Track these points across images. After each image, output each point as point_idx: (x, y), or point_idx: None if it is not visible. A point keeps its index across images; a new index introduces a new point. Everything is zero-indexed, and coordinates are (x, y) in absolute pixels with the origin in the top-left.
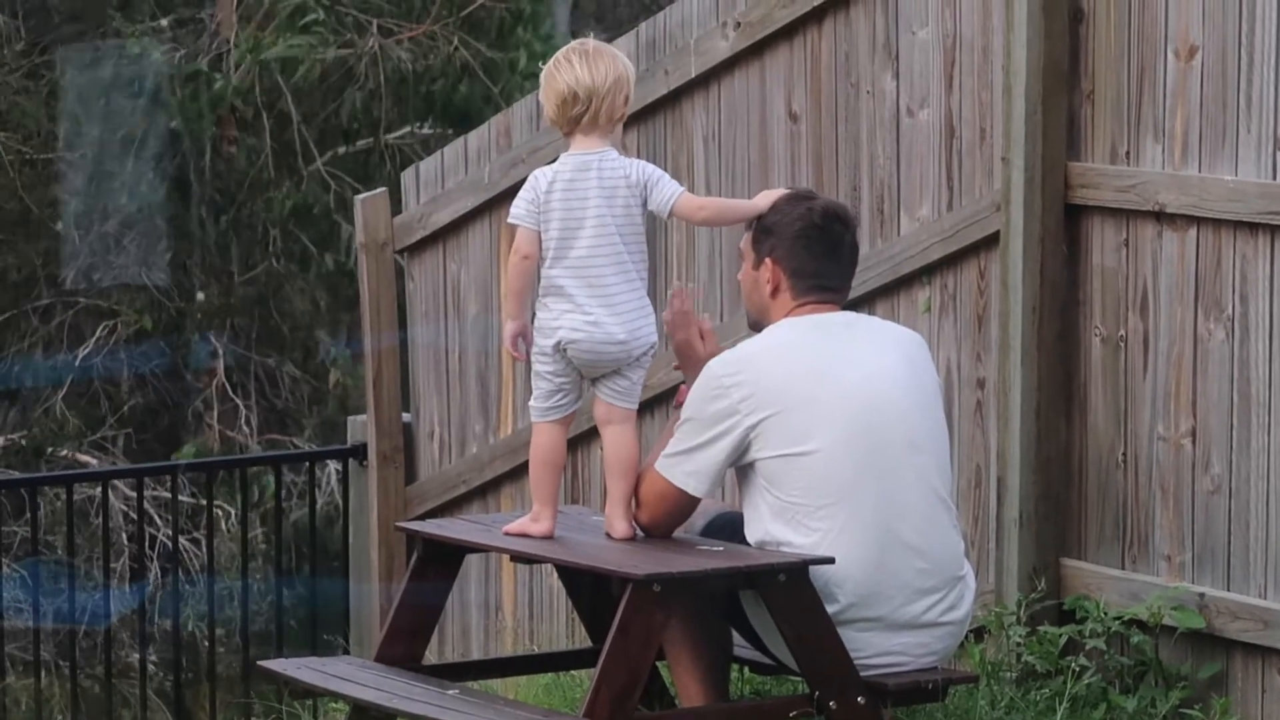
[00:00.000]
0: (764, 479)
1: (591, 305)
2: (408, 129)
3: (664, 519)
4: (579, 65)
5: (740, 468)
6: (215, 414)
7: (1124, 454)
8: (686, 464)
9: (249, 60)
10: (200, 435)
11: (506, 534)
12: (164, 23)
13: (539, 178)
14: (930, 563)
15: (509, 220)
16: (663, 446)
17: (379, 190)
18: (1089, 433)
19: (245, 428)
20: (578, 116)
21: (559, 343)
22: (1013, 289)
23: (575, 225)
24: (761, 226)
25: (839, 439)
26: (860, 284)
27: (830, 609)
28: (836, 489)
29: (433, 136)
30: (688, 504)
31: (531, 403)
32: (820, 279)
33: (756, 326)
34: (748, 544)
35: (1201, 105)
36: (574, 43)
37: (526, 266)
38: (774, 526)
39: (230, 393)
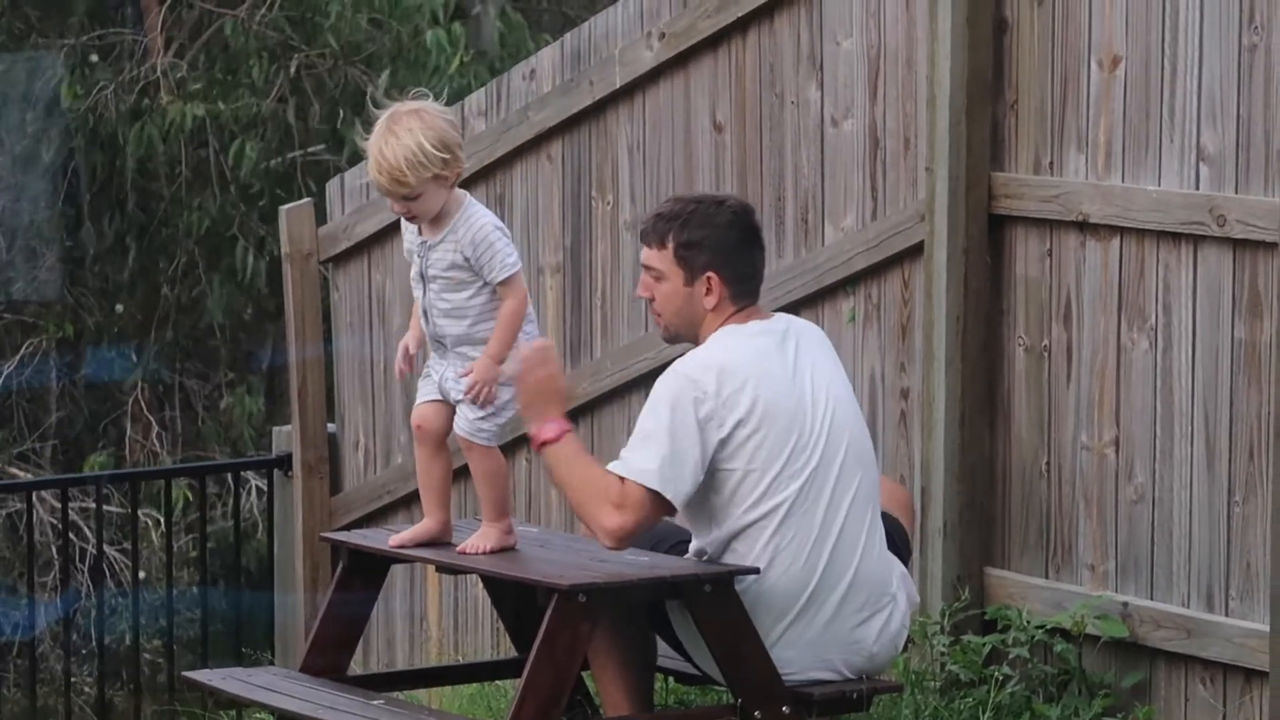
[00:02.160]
0: (720, 488)
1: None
2: (322, 145)
3: (645, 526)
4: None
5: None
6: (140, 426)
7: (1048, 463)
8: (668, 470)
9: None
10: (121, 447)
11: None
12: (92, 41)
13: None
14: (862, 579)
15: (517, 270)
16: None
17: (304, 201)
18: (1013, 442)
19: (163, 440)
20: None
21: None
22: (937, 299)
23: None
24: (685, 242)
25: (794, 454)
26: (785, 294)
27: (761, 622)
28: (786, 504)
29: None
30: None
31: (491, 426)
32: (755, 279)
33: (678, 340)
34: (673, 554)
35: (1125, 115)
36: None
37: None
38: (719, 536)
39: (147, 407)
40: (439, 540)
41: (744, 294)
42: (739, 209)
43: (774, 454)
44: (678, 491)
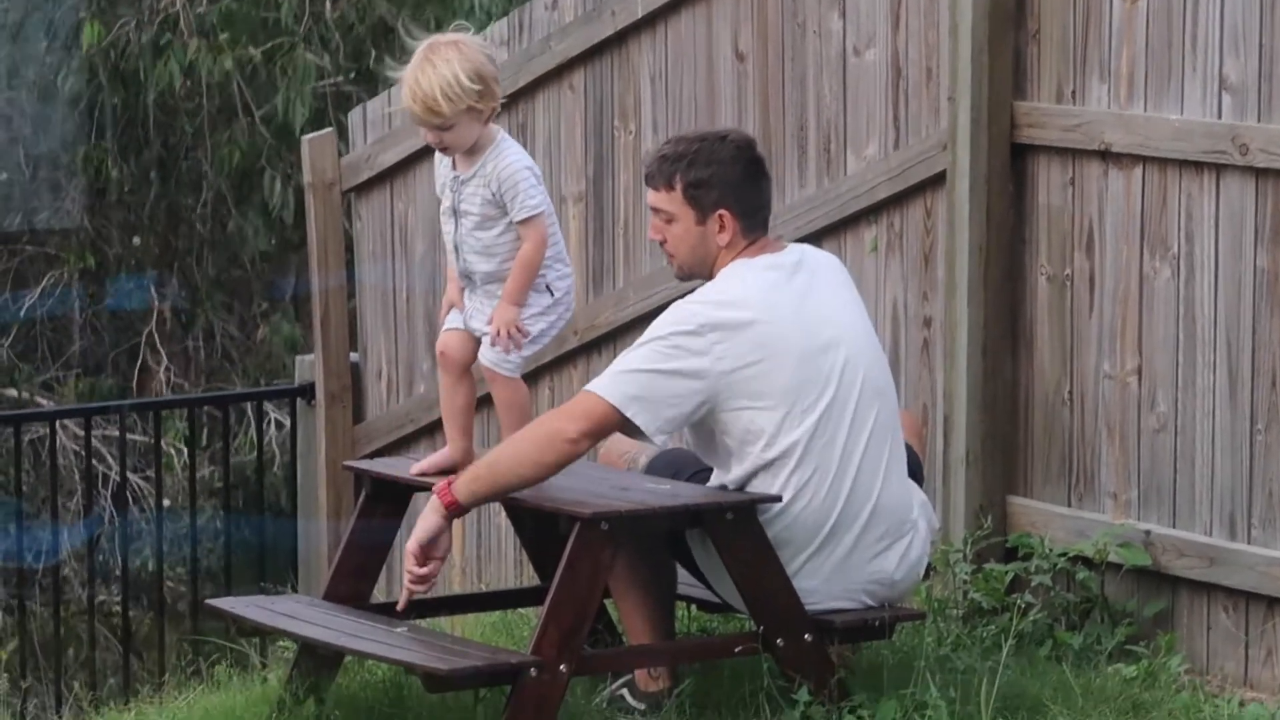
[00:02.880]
0: (729, 428)
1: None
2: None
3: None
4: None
5: (707, 415)
6: (161, 356)
7: (1070, 392)
8: (641, 398)
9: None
10: (142, 376)
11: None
12: None
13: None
14: (883, 509)
15: (538, 212)
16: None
17: (326, 130)
18: (1035, 371)
19: (185, 368)
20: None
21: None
22: (959, 228)
23: None
24: (693, 181)
25: (804, 390)
26: (807, 223)
27: (783, 555)
28: (803, 440)
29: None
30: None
31: (515, 358)
32: (764, 210)
33: (693, 278)
34: (690, 481)
35: (1147, 45)
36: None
37: None
38: (738, 474)
39: (169, 338)
40: (461, 467)
41: (754, 226)
42: (742, 143)
43: (783, 390)
44: (647, 421)
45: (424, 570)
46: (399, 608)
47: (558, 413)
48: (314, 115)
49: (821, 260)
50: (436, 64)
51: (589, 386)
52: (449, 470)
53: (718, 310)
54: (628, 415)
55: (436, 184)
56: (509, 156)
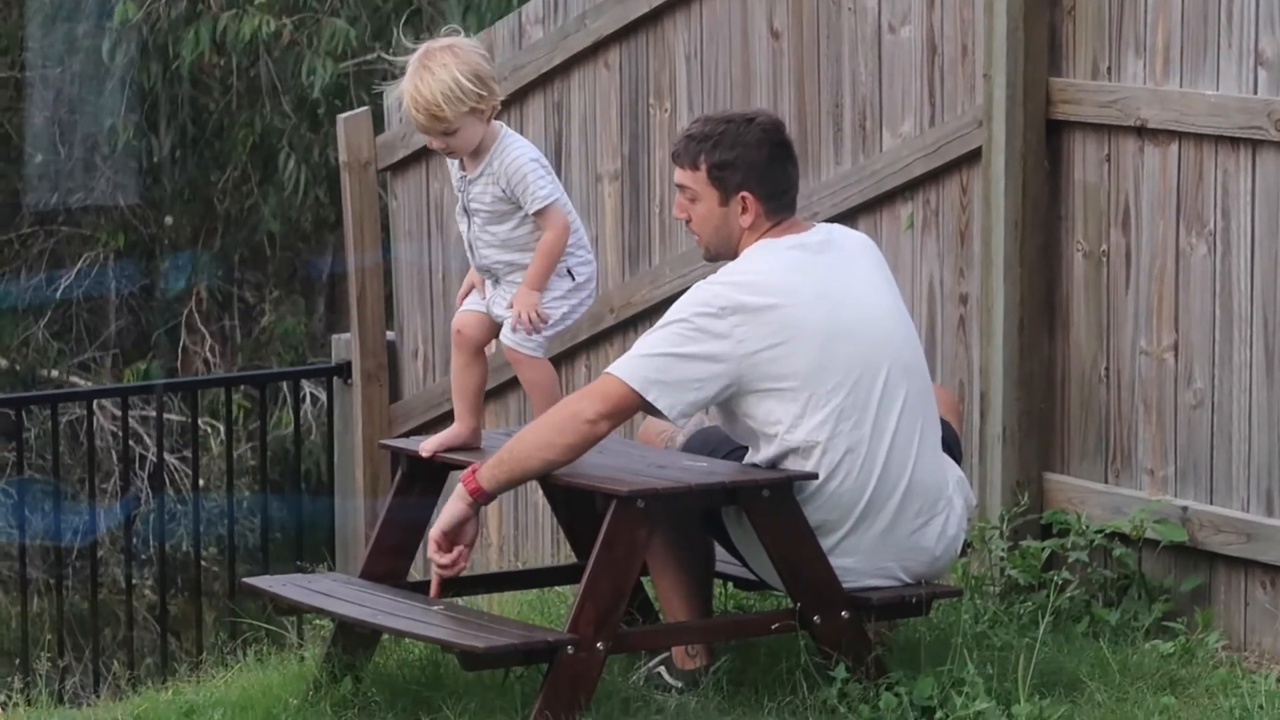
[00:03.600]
0: (752, 411)
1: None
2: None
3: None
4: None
5: (734, 396)
6: (205, 335)
7: (1106, 368)
8: (661, 380)
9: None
10: (176, 358)
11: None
12: None
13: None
14: (917, 486)
15: (551, 201)
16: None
17: (361, 109)
18: (1071, 348)
19: (221, 350)
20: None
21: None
22: (995, 205)
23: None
24: (718, 163)
25: (827, 371)
26: (842, 200)
27: (819, 534)
28: (830, 422)
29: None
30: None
31: (537, 338)
32: (789, 192)
33: (719, 258)
34: (727, 459)
35: (1183, 20)
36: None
37: None
38: (768, 455)
39: (205, 318)
40: (468, 446)
41: (779, 209)
42: (769, 125)
43: (806, 373)
44: (669, 405)
45: (448, 558)
46: (431, 594)
47: (578, 395)
48: (337, 91)
49: (852, 240)
50: (434, 70)
51: (610, 369)
52: (458, 448)
53: (739, 292)
54: (648, 399)
55: (454, 185)
56: (513, 152)
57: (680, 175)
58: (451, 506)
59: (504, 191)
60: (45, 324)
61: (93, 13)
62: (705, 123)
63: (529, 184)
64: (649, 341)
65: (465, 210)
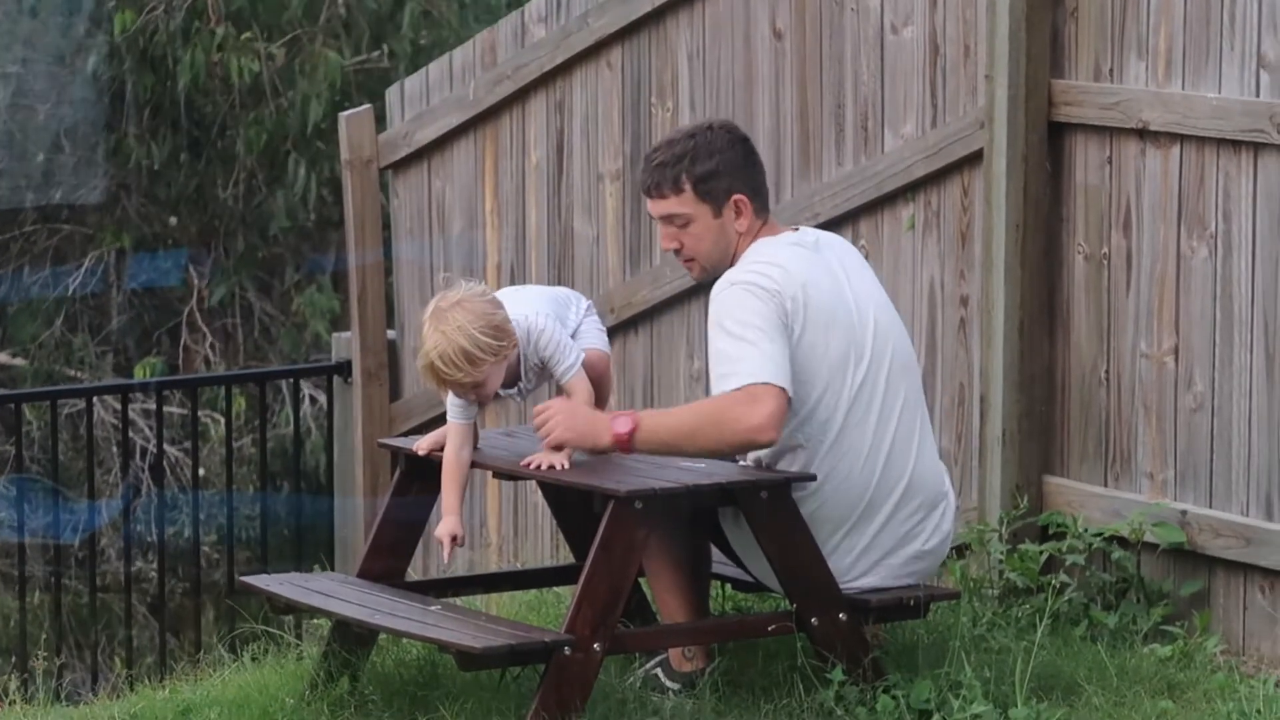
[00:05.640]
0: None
1: None
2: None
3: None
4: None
5: None
6: (203, 333)
7: (1107, 371)
8: (773, 365)
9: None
10: (177, 356)
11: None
12: None
13: None
14: (917, 483)
15: (578, 367)
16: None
17: (363, 107)
18: (1072, 350)
19: (225, 347)
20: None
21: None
22: (996, 206)
23: None
24: (702, 176)
25: (843, 364)
26: (844, 201)
27: (818, 533)
28: (839, 419)
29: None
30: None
31: (574, 361)
32: (766, 189)
33: (715, 277)
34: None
35: (1185, 22)
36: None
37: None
38: (774, 450)
39: (204, 315)
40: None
41: (764, 207)
42: (730, 128)
43: (829, 364)
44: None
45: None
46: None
47: (746, 408)
48: (334, 107)
49: (835, 241)
50: (449, 334)
51: (755, 379)
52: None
53: (774, 283)
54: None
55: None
56: (537, 334)
57: (662, 205)
58: (596, 437)
59: (539, 365)
60: (62, 322)
61: (94, 18)
62: (668, 146)
63: (560, 357)
64: (747, 348)
65: (519, 392)
